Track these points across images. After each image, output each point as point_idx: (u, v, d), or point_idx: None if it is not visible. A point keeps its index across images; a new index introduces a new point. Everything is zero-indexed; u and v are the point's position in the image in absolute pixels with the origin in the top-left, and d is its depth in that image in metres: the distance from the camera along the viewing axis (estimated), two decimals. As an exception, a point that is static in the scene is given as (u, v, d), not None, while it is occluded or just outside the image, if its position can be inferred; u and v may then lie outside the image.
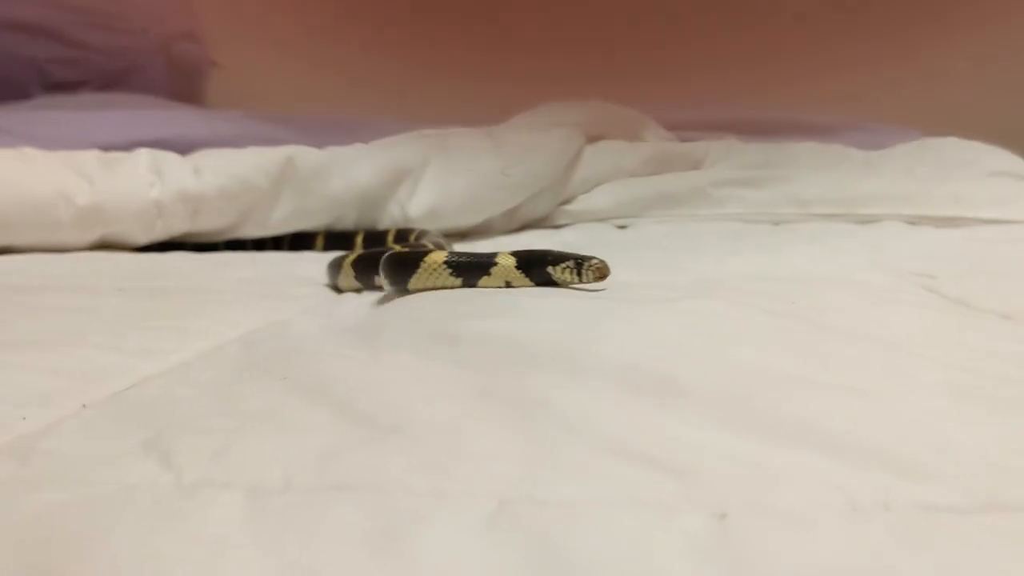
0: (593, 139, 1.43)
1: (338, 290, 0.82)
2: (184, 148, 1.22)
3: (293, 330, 0.61)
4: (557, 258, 0.72)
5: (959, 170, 1.40)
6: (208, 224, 1.14)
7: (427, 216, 1.21)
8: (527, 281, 0.72)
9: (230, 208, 1.13)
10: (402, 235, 1.16)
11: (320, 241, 1.23)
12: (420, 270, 0.71)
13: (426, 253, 0.72)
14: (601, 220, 1.33)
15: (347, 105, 2.21)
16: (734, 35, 2.64)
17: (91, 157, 1.14)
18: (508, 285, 0.72)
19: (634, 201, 1.34)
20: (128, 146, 1.21)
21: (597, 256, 0.71)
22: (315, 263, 0.93)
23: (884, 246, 0.99)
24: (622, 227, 1.31)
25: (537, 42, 2.70)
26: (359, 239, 1.20)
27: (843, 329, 0.56)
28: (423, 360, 0.50)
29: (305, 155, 1.17)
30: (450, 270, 0.71)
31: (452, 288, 0.71)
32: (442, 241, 0.98)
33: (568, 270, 0.71)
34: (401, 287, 0.72)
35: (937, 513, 0.30)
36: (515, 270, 0.72)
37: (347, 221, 1.21)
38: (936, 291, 0.71)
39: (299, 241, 1.23)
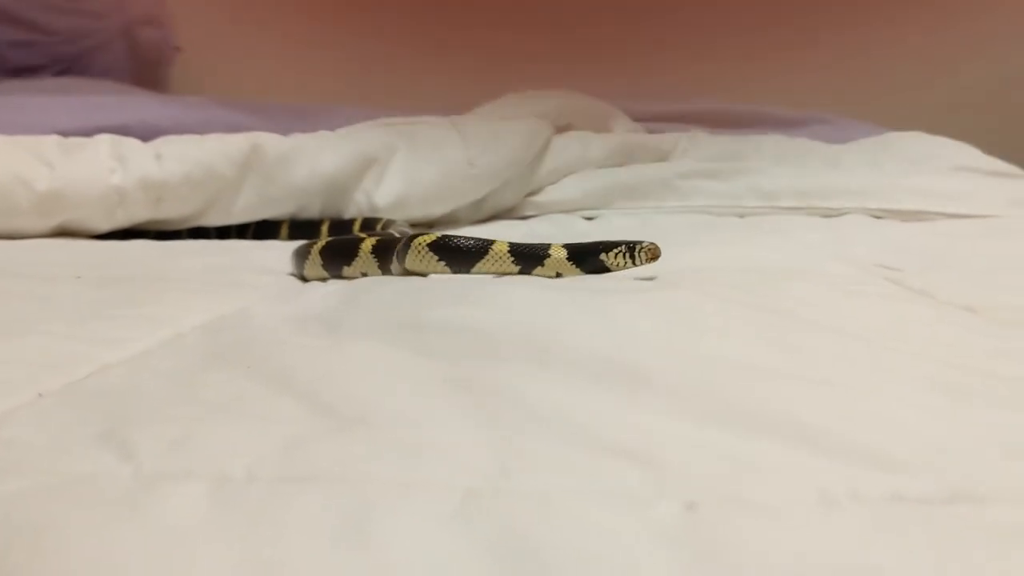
0: (561, 130, 1.43)
1: (303, 279, 0.81)
2: (146, 134, 1.20)
3: (256, 319, 0.60)
4: (608, 245, 0.74)
5: (923, 164, 1.42)
6: (171, 212, 1.12)
7: (394, 205, 1.20)
8: (577, 271, 0.75)
9: (194, 195, 1.11)
10: (368, 224, 1.15)
11: (285, 230, 1.21)
12: (488, 257, 0.74)
13: (491, 242, 0.75)
14: (568, 211, 1.33)
15: (312, 92, 2.19)
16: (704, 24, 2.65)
17: (51, 142, 1.12)
18: (558, 275, 0.74)
19: (601, 192, 1.34)
20: (88, 132, 1.19)
21: (647, 240, 0.74)
22: (278, 251, 0.92)
23: (849, 239, 1.00)
24: (589, 218, 1.31)
25: (510, 29, 2.69)
26: (325, 228, 1.19)
27: (811, 321, 0.56)
28: (389, 349, 0.49)
29: (270, 142, 1.15)
30: (513, 258, 0.74)
31: (511, 274, 0.74)
32: (407, 230, 0.98)
33: (621, 255, 0.74)
34: (463, 271, 0.75)
35: (909, 505, 0.30)
36: (566, 261, 0.75)
37: (312, 210, 1.20)
38: (901, 283, 0.72)
39: (264, 230, 1.21)
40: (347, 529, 0.29)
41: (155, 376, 0.47)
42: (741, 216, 1.29)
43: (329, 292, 0.69)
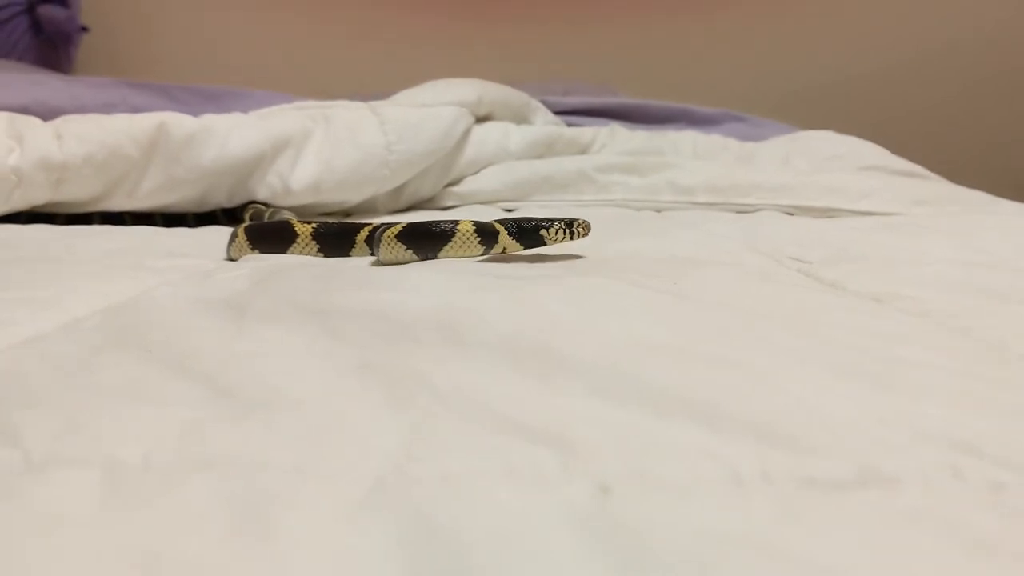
0: (481, 120, 1.42)
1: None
2: (46, 116, 1.15)
3: (159, 302, 0.58)
4: (550, 222, 0.78)
5: (833, 163, 1.46)
6: (72, 194, 1.07)
7: (309, 189, 1.17)
8: (519, 247, 0.78)
9: (96, 177, 1.07)
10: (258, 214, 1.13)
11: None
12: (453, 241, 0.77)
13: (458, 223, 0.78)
14: (488, 202, 1.33)
15: (227, 76, 2.14)
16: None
17: (-57, 120, 1.06)
18: (504, 251, 0.77)
19: (521, 184, 1.34)
20: (-18, 112, 1.13)
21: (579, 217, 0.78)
22: (185, 236, 0.89)
23: (762, 233, 1.02)
24: (509, 210, 1.31)
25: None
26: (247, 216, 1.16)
27: (723, 306, 0.56)
28: (296, 333, 0.48)
29: (178, 122, 1.11)
30: (479, 238, 0.77)
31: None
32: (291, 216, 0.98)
33: (562, 231, 0.78)
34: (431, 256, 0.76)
35: (817, 486, 0.30)
36: (508, 237, 0.78)
37: (221, 192, 1.16)
38: (812, 275, 0.73)
39: (204, 219, 1.17)
40: (245, 518, 0.28)
41: (47, 361, 0.45)
42: (658, 210, 1.31)
43: (237, 276, 0.67)
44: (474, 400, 0.37)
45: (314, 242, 0.82)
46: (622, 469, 0.31)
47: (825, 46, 2.65)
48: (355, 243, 0.82)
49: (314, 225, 0.83)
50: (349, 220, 1.12)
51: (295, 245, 0.82)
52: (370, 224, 0.83)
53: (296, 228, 0.83)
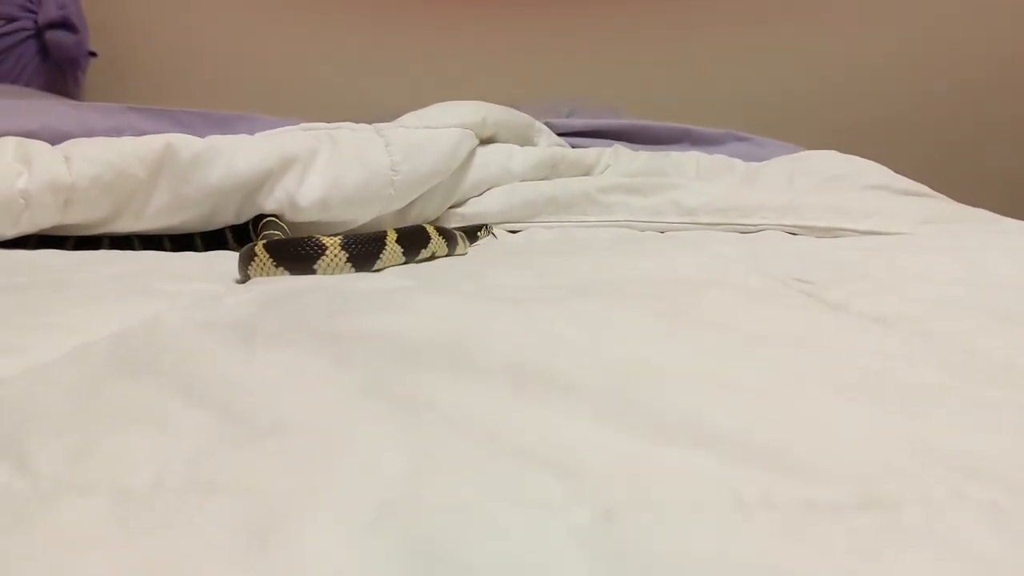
0: (484, 141, 1.43)
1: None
2: (54, 141, 1.16)
3: (168, 327, 0.58)
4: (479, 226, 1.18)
5: (837, 183, 1.46)
6: (80, 216, 1.08)
7: (317, 205, 1.17)
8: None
9: (103, 198, 1.07)
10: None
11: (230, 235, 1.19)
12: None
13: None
14: (492, 224, 1.33)
15: (233, 102, 2.15)
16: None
17: (-48, 145, 1.07)
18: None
19: (524, 206, 1.35)
20: (-11, 137, 1.14)
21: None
22: (193, 259, 0.90)
23: (765, 254, 1.02)
24: (513, 231, 1.32)
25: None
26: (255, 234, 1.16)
27: (726, 328, 0.57)
28: (304, 357, 0.48)
29: (185, 143, 1.12)
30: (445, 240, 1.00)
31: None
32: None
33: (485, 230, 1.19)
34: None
35: (820, 510, 0.30)
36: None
37: (228, 211, 1.16)
38: (815, 296, 0.73)
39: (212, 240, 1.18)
40: (254, 541, 0.28)
41: (57, 387, 0.45)
42: (662, 231, 1.31)
43: (245, 300, 0.67)
44: (480, 424, 0.38)
45: (343, 252, 0.82)
46: (626, 494, 0.31)
47: (830, 67, 2.66)
48: (385, 244, 0.87)
49: (340, 237, 0.84)
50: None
51: (323, 258, 0.82)
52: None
53: (323, 240, 0.83)
